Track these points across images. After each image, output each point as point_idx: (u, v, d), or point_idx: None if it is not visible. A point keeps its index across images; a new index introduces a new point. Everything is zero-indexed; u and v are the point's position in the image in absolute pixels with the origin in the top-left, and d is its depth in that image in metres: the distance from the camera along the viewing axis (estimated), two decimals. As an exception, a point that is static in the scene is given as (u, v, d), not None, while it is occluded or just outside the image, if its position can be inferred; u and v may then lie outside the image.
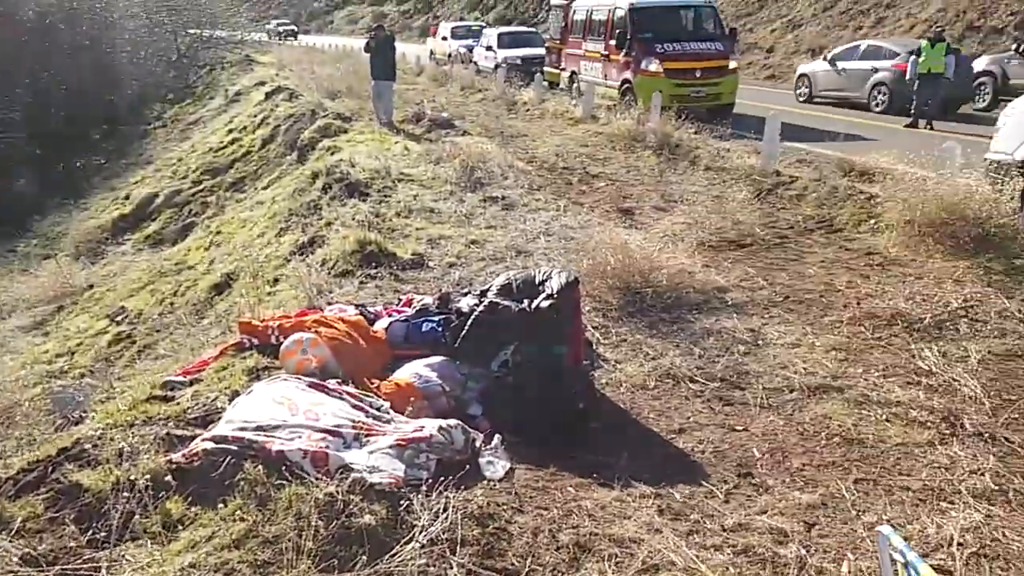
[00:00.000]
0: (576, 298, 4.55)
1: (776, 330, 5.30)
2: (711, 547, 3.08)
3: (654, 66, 15.30)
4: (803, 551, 3.04)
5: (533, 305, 4.32)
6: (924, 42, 15.42)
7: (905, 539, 3.10)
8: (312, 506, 3.04)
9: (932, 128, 14.41)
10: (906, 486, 3.49)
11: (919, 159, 7.73)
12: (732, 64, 15.92)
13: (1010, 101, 8.80)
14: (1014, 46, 16.48)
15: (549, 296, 4.35)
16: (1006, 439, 3.85)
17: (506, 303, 4.36)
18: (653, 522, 3.24)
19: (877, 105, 17.60)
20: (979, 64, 18.21)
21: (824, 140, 11.14)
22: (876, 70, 17.73)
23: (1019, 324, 5.21)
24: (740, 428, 4.09)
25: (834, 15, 27.95)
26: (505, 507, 3.30)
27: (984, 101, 17.33)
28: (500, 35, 25.74)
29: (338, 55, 29.55)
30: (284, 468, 3.27)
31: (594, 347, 5.07)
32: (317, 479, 3.21)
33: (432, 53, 32.87)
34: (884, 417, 4.09)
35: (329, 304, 5.40)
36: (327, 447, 3.43)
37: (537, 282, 4.55)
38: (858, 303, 5.66)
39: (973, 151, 8.10)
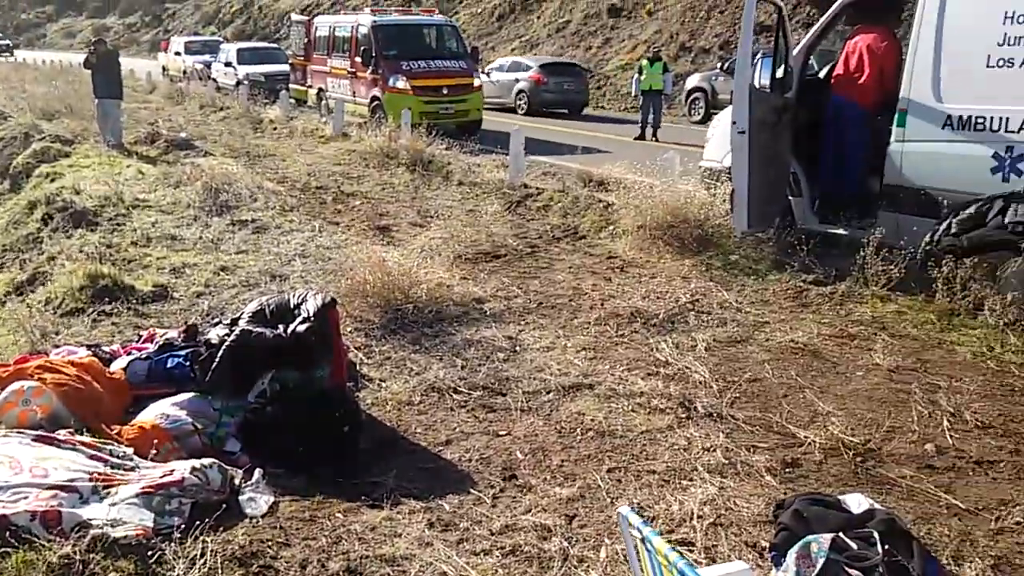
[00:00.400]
0: (334, 319, 4.46)
1: (532, 335, 5.55)
2: (480, 552, 3.15)
3: (402, 83, 15.50)
4: (565, 543, 3.19)
5: (289, 330, 4.18)
6: (644, 61, 16.96)
7: (653, 518, 3.38)
8: (44, 572, 2.72)
9: (657, 139, 15.88)
10: (652, 469, 3.78)
11: (646, 169, 8.46)
12: (476, 82, 16.55)
13: (717, 114, 9.93)
14: (719, 64, 18.67)
15: (306, 319, 4.23)
16: (732, 416, 4.30)
17: (260, 330, 4.18)
18: (424, 536, 3.25)
19: (520, 109, 21.21)
20: (692, 81, 20.46)
21: (564, 153, 11.86)
22: (518, 80, 21.48)
23: (736, 313, 5.87)
24: (504, 433, 4.22)
25: (567, 35, 29.93)
26: (270, 543, 3.15)
27: (699, 114, 19.44)
28: (240, 51, 24.73)
29: (54, 71, 26.79)
30: (8, 534, 2.88)
31: (358, 367, 5.00)
32: (49, 541, 2.87)
33: (165, 69, 30.94)
34: (630, 408, 4.41)
35: (56, 347, 4.85)
36: (59, 505, 3.07)
37: (292, 306, 4.40)
38: (602, 304, 6.08)
39: (690, 160, 9.02)
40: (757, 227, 6.97)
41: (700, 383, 4.70)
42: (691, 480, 3.67)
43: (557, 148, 12.71)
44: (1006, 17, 5.62)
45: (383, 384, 4.80)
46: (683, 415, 4.31)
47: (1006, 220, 5.17)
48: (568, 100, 21.21)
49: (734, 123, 6.61)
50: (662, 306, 5.97)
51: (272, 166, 12.44)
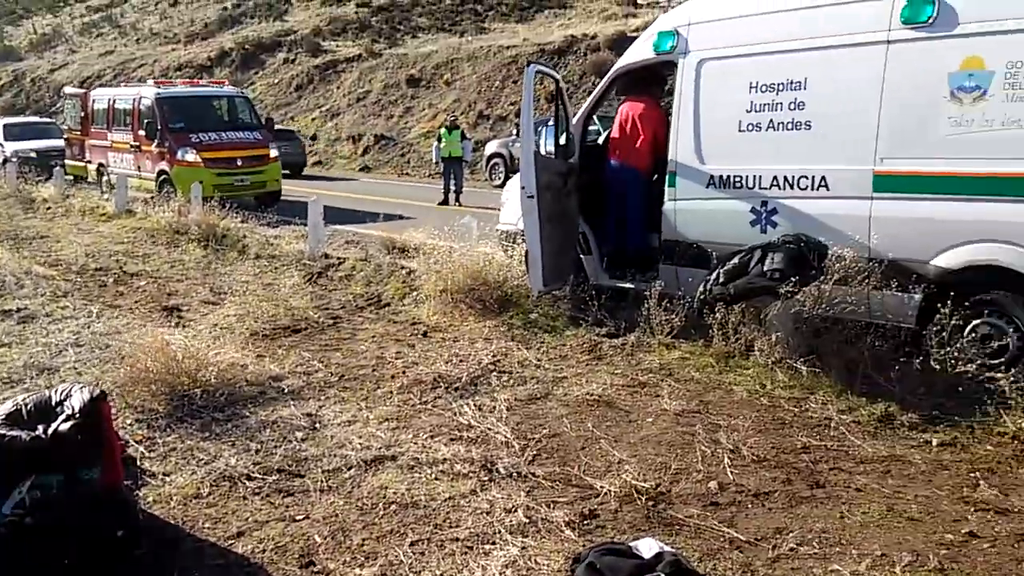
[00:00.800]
0: (106, 413, 4.08)
1: (333, 410, 5.37)
2: (273, 653, 2.94)
3: (191, 156, 14.93)
4: (365, 629, 3.05)
5: (50, 430, 3.77)
6: (443, 130, 17.43)
7: (455, 590, 3.31)
8: None
9: (460, 204, 16.25)
10: (456, 537, 3.72)
11: (446, 234, 8.57)
12: (273, 152, 16.24)
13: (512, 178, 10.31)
14: (515, 131, 19.57)
15: (70, 416, 3.83)
16: (532, 474, 4.35)
17: (13, 433, 3.73)
18: (209, 644, 2.99)
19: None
20: (490, 147, 21.28)
21: (367, 221, 11.80)
22: None
23: (536, 370, 6.01)
24: (301, 517, 4.01)
25: (367, 105, 30.21)
26: None
27: (499, 179, 20.16)
28: (7, 126, 22.95)
29: None
30: None
31: (138, 462, 4.60)
32: None
33: (-84, 150, 27.94)
34: (433, 476, 4.35)
35: None
36: None
37: (55, 403, 3.98)
38: (405, 372, 6.01)
39: (489, 223, 9.25)
40: (552, 285, 7.23)
41: (502, 444, 4.73)
42: (494, 544, 3.65)
43: (359, 216, 12.62)
44: (751, 87, 6.29)
45: (167, 478, 4.44)
46: (485, 478, 4.30)
47: (765, 268, 5.68)
48: (287, 162, 23.89)
49: (523, 188, 6.88)
50: (465, 369, 6.00)
51: (44, 248, 11.42)
